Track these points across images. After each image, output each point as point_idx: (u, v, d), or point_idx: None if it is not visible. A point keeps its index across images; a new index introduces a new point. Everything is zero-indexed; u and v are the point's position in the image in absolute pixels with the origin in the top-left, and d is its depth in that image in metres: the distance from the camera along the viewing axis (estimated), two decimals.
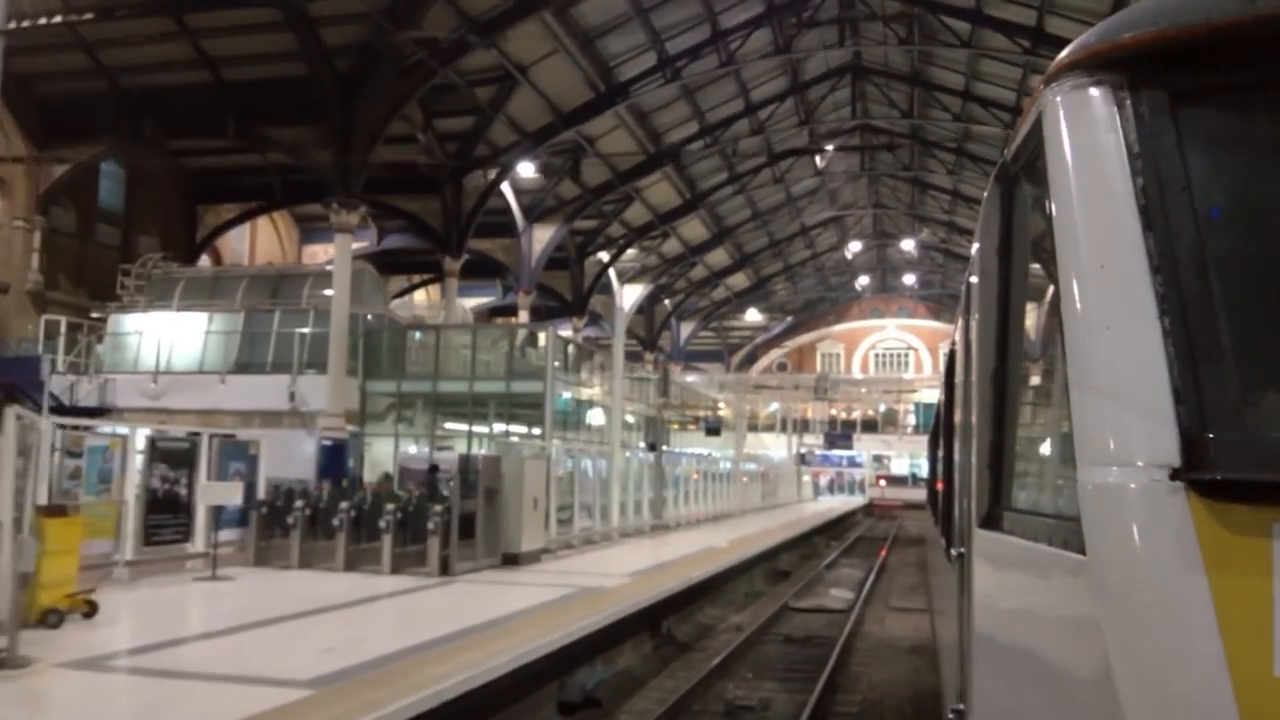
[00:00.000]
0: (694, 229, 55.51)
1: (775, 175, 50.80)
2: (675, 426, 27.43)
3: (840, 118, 47.33)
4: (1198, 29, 2.17)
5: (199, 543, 14.86)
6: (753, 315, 75.55)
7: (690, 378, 67.12)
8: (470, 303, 53.91)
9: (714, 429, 27.83)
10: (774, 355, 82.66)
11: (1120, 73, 2.28)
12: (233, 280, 36.68)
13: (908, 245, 66.37)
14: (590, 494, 21.75)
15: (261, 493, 16.91)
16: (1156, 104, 2.21)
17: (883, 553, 34.88)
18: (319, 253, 47.90)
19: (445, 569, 15.23)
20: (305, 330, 34.13)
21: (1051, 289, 2.36)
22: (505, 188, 44.10)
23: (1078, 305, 2.12)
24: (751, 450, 63.65)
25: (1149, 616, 1.82)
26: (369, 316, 35.06)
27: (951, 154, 48.52)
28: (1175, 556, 1.82)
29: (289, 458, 31.67)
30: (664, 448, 51.20)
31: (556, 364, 34.56)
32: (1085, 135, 2.27)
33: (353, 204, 32.87)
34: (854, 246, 67.86)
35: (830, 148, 49.40)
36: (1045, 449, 2.80)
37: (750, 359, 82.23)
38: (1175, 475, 1.86)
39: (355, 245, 48.50)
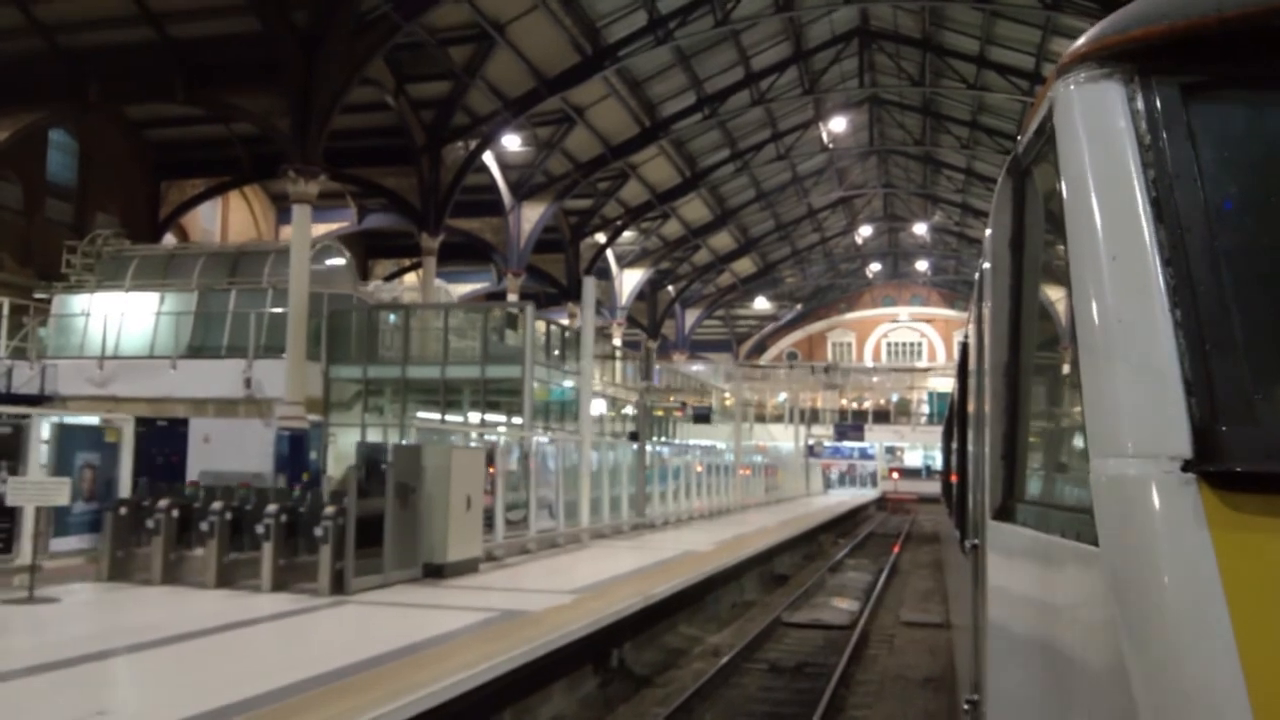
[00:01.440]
0: (695, 210, 52.09)
1: (779, 151, 47.32)
2: (659, 414, 24.14)
3: (848, 90, 43.77)
4: (1209, 21, 2.15)
5: (27, 553, 11.59)
6: (761, 303, 72.15)
7: (696, 367, 63.74)
8: (463, 289, 50.65)
9: (703, 416, 24.52)
10: (783, 344, 79.11)
11: (1132, 64, 2.25)
12: (189, 258, 33.44)
13: (920, 229, 62.92)
14: (553, 490, 18.43)
15: (126, 489, 13.63)
16: (1168, 96, 2.18)
17: (895, 550, 31.51)
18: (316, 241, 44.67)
19: (339, 585, 11.93)
20: (263, 311, 30.90)
21: (1063, 281, 2.27)
22: (491, 163, 40.82)
23: (1089, 297, 2.08)
24: (762, 442, 60.29)
25: (1161, 608, 1.77)
26: (330, 296, 31.77)
27: (965, 127, 44.92)
28: (1187, 548, 1.78)
29: (242, 450, 28.59)
30: (664, 439, 47.88)
31: (538, 347, 31.36)
32: (1097, 127, 2.23)
33: (312, 172, 29.61)
34: (864, 231, 64.33)
35: (838, 125, 45.96)
36: (1058, 441, 2.78)
37: (759, 348, 78.72)
38: (1187, 467, 1.82)
39: (335, 225, 45.57)
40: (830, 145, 48.49)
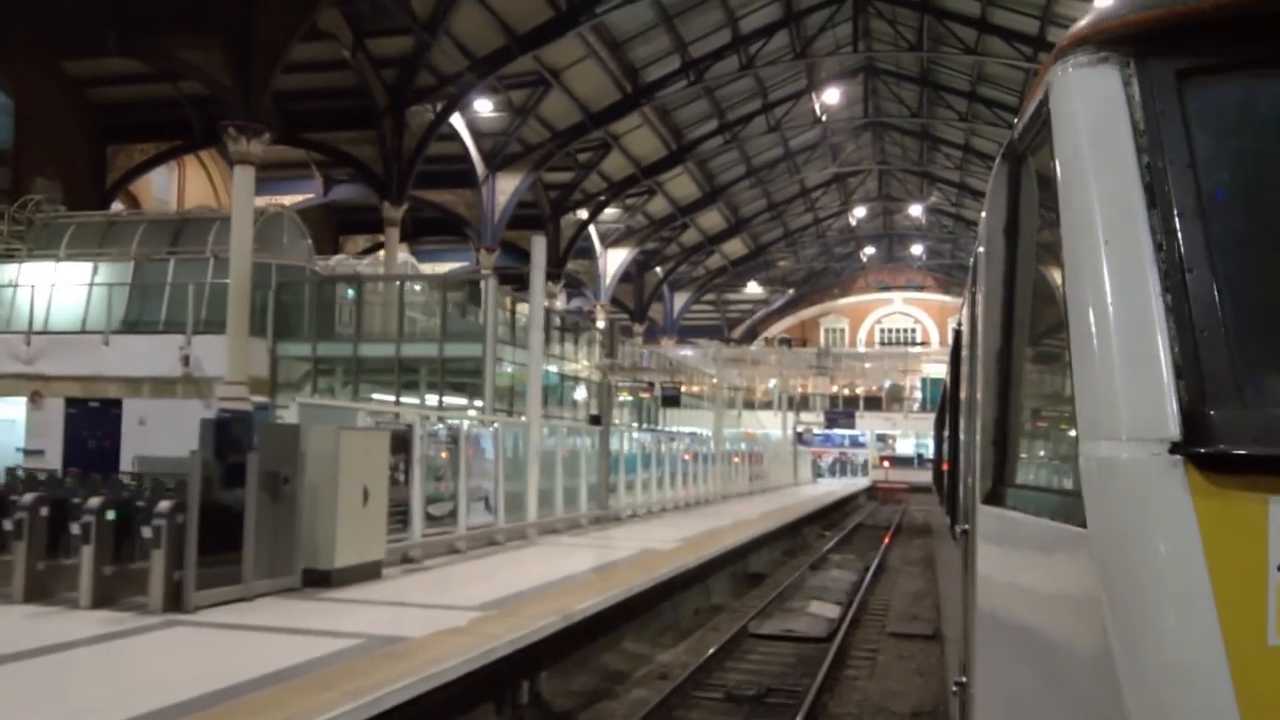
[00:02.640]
0: (683, 186, 49.40)
1: (770, 123, 44.62)
2: (625, 395, 21.58)
3: (841, 57, 41.08)
4: (1206, 6, 2.15)
5: None
6: (753, 288, 69.53)
7: (685, 352, 61.09)
8: (440, 269, 47.91)
9: (671, 398, 21.95)
10: (775, 330, 76.42)
11: (1128, 49, 2.23)
12: (128, 226, 30.74)
13: (916, 211, 60.29)
14: (490, 480, 15.86)
15: None
16: (1164, 81, 2.17)
17: (885, 542, 29.00)
18: (259, 204, 41.94)
19: (177, 599, 9.37)
20: (204, 282, 28.29)
21: (1057, 266, 2.27)
22: (462, 129, 38.16)
23: (1081, 281, 2.09)
24: (751, 430, 57.74)
25: (1146, 588, 1.79)
26: (279, 268, 29.15)
27: (964, 98, 42.22)
28: (1173, 529, 1.79)
29: (181, 435, 26.02)
30: (648, 425, 45.25)
31: (503, 325, 28.79)
32: (1092, 112, 2.23)
33: (255, 130, 27.05)
34: (858, 212, 61.66)
35: (831, 96, 43.31)
36: (1048, 425, 2.74)
37: (750, 334, 76.07)
38: (1175, 449, 1.83)
39: (300, 197, 42.88)
40: (823, 117, 45.79)
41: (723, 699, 10.85)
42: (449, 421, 14.46)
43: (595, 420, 21.82)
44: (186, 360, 27.54)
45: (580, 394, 39.32)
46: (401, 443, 13.12)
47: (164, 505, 9.32)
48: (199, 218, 30.62)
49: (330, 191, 41.81)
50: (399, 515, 13.25)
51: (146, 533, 9.17)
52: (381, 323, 28.47)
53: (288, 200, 42.19)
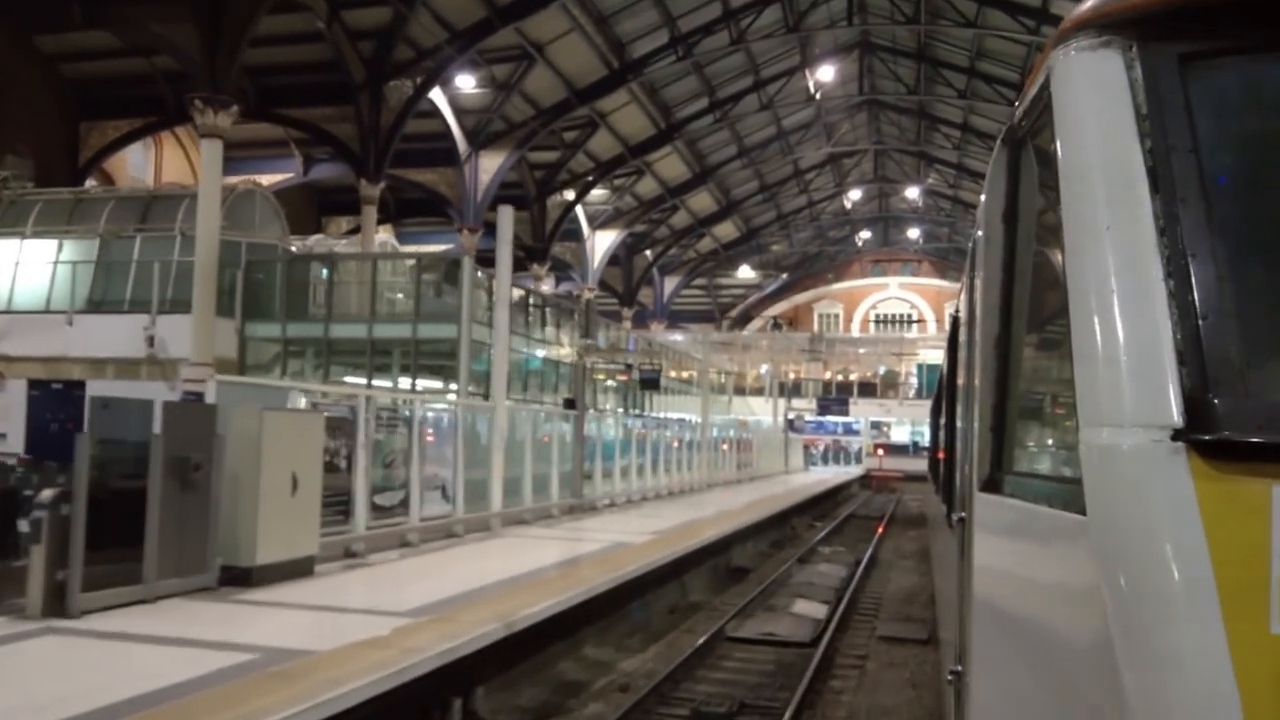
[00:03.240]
0: (672, 166, 48.06)
1: (762, 101, 43.28)
2: (600, 377, 20.38)
3: (836, 32, 39.73)
4: None
5: None
6: (745, 272, 68.18)
7: (676, 337, 59.81)
8: (424, 250, 46.57)
9: (651, 381, 20.72)
10: (768, 315, 75.17)
11: (1130, 33, 2.20)
12: (97, 203, 29.48)
13: (912, 193, 59.02)
14: (449, 467, 14.61)
15: None
16: (1166, 65, 2.14)
17: (878, 532, 27.84)
18: (234, 182, 40.55)
19: (60, 602, 8.15)
20: (170, 260, 27.04)
21: (1057, 251, 2.23)
22: (444, 106, 36.82)
23: (1082, 266, 2.05)
24: (744, 417, 56.54)
25: (1147, 576, 1.75)
26: (250, 246, 27.87)
27: (963, 74, 40.87)
28: (1174, 516, 1.76)
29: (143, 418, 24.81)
30: (636, 411, 43.99)
31: (483, 308, 27.56)
32: (1093, 96, 2.20)
33: (223, 102, 25.75)
34: (854, 195, 60.39)
35: (825, 74, 42.01)
36: (1048, 411, 2.70)
37: (743, 319, 74.77)
38: (1176, 436, 1.80)
39: (280, 176, 41.53)
40: (817, 95, 44.47)
41: (688, 717, 9.65)
42: (400, 403, 13.20)
43: (570, 404, 20.58)
44: (151, 341, 26.34)
45: (567, 379, 38.13)
46: (344, 426, 11.89)
47: (46, 495, 8.09)
48: (168, 195, 29.34)
49: (310, 171, 40.45)
50: (340, 506, 12.03)
51: (23, 526, 7.95)
52: (355, 303, 27.21)
53: (266, 180, 40.84)
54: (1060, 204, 2.17)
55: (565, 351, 31.94)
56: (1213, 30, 2.12)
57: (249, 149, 40.62)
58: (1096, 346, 1.95)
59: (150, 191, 30.48)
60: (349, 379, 27.01)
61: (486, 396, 27.07)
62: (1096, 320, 1.97)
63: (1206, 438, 1.78)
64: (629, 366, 20.33)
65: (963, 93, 41.93)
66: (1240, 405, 1.81)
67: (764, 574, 19.20)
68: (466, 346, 25.25)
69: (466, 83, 35.15)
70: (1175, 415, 1.81)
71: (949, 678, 4.10)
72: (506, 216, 16.29)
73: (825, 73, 42.74)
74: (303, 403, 11.15)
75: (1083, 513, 1.88)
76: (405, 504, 13.31)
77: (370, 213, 33.15)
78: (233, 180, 40.89)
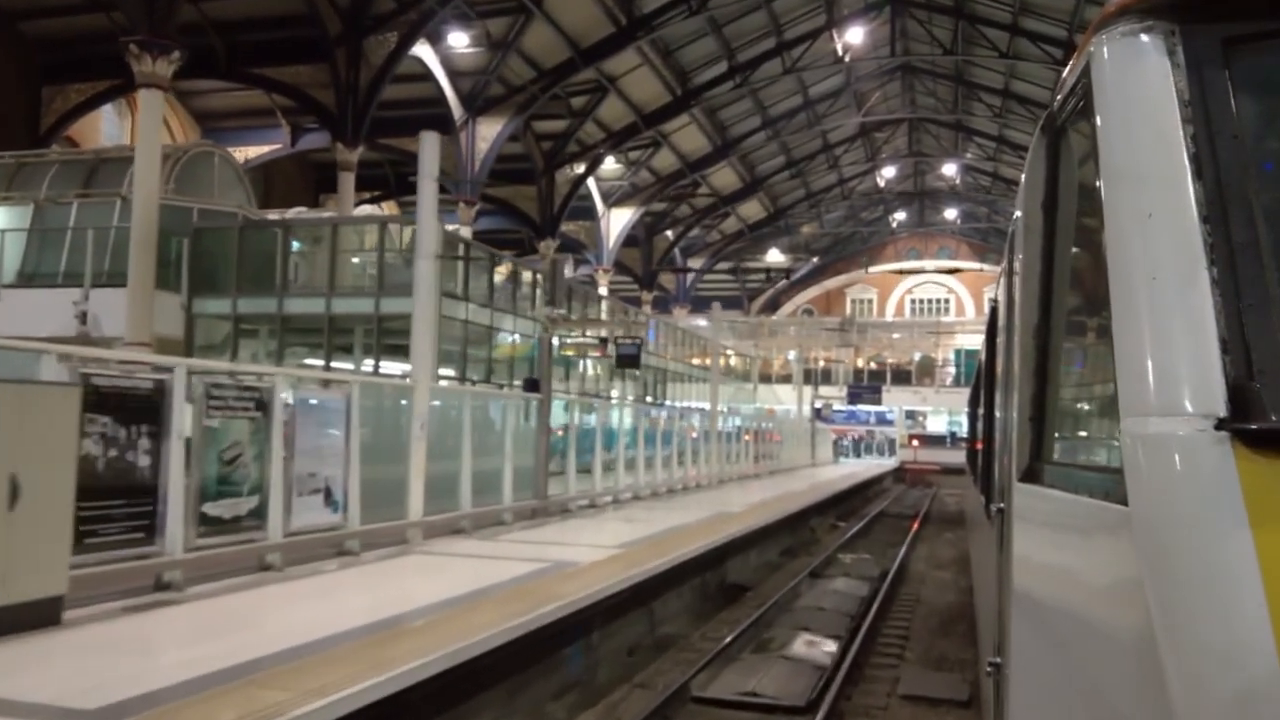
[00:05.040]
0: (691, 138, 44.23)
1: (786, 65, 39.26)
2: (570, 353, 16.74)
3: None
4: None
5: None
6: (774, 256, 64.14)
7: (700, 322, 55.93)
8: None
9: (630, 357, 17.01)
10: (799, 301, 71.06)
11: (1171, 18, 2.12)
12: (40, 167, 26.21)
13: (950, 169, 54.72)
14: (334, 466, 10.97)
15: None
16: (1208, 50, 2.07)
17: (910, 534, 23.98)
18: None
19: None
20: (109, 227, 23.67)
21: (1097, 240, 2.15)
22: (436, 69, 33.23)
23: (1124, 254, 1.99)
24: (770, 406, 52.64)
25: (1191, 567, 1.68)
26: (201, 212, 24.44)
27: (1005, 32, 36.67)
28: (1219, 507, 1.69)
29: None
30: (652, 399, 40.19)
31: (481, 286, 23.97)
32: (1135, 82, 2.13)
33: (163, 47, 22.33)
34: (887, 172, 56.15)
35: (854, 36, 38.00)
36: (1088, 401, 2.65)
37: (772, 305, 70.72)
38: (1220, 425, 1.74)
39: (266, 147, 38.18)
40: (846, 58, 40.39)
41: None
42: (249, 379, 9.66)
43: (531, 385, 16.89)
44: (84, 317, 22.97)
45: (583, 366, 34.45)
46: (147, 407, 8.30)
47: None
48: (116, 158, 25.90)
49: (298, 141, 36.99)
50: (144, 517, 8.41)
51: None
52: (313, 276, 23.72)
53: (254, 151, 37.66)
54: (1101, 192, 2.10)
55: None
56: (1257, 14, 2.05)
57: (234, 119, 37.47)
58: (1138, 335, 1.89)
59: (96, 153, 27.07)
60: (309, 361, 23.53)
61: (465, 379, 23.54)
62: (1138, 308, 1.90)
63: (1251, 426, 1.71)
64: (604, 341, 16.60)
65: (1004, 53, 37.68)
66: None
67: (765, 593, 15.43)
68: (433, 324, 21.64)
69: (459, 40, 31.61)
70: (1219, 404, 1.75)
71: (988, 670, 3.97)
72: (430, 143, 12.64)
73: (854, 34, 38.76)
74: (59, 372, 7.64)
75: (1124, 503, 1.81)
76: (259, 514, 9.70)
77: (348, 180, 29.64)
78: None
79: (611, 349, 17.24)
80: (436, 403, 13.74)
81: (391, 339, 23.20)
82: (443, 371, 22.70)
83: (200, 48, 28.74)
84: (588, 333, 17.91)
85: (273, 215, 26.79)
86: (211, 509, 9.24)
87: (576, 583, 10.04)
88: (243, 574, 9.62)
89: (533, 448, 16.09)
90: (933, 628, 13.82)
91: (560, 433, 17.37)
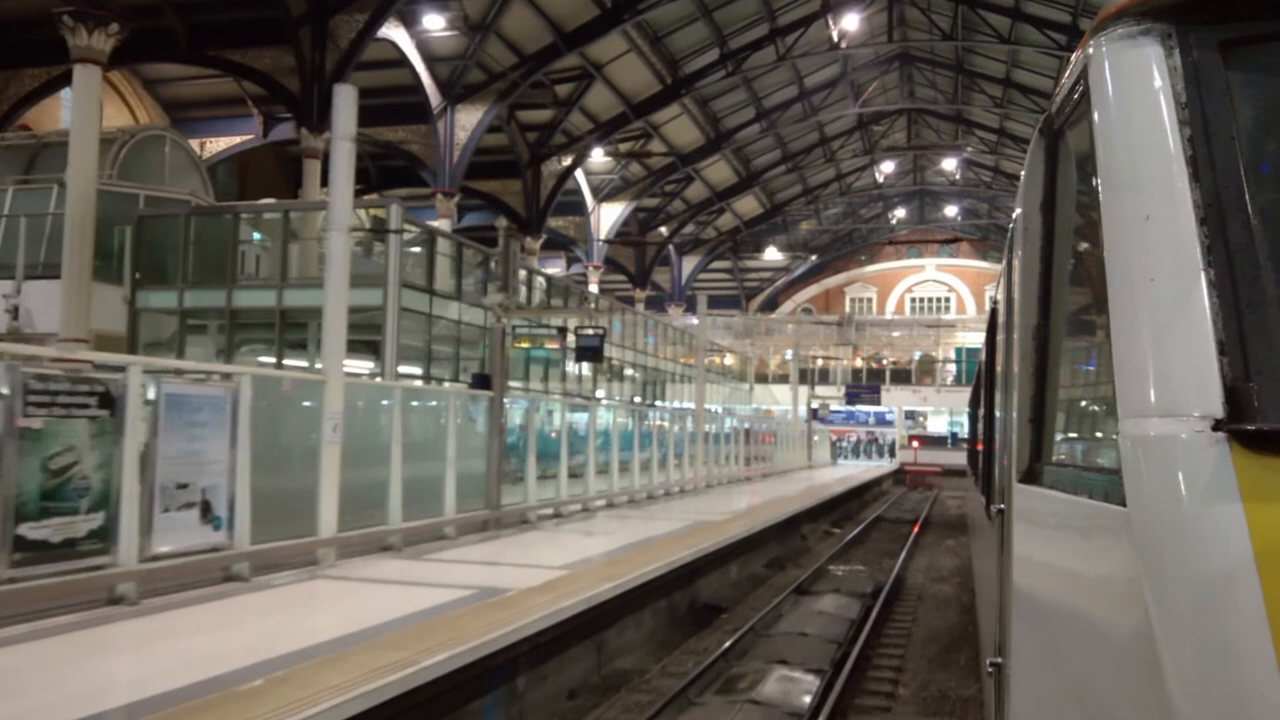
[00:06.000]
0: (684, 130, 42.35)
1: (780, 51, 37.36)
2: (524, 344, 14.82)
3: None
4: None
5: None
6: (772, 254, 62.29)
7: (693, 320, 54.01)
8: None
9: (590, 350, 15.08)
10: (798, 300, 69.11)
11: (1169, 21, 2.10)
12: None
13: (950, 164, 52.81)
14: (215, 475, 9.05)
15: None
16: (1206, 53, 2.06)
17: (908, 541, 22.07)
18: (194, 148, 35.38)
19: None
20: (44, 214, 21.83)
21: (1096, 242, 2.15)
22: (412, 54, 31.38)
23: (1122, 257, 1.98)
24: (769, 407, 50.75)
25: (1189, 567, 1.68)
26: (147, 199, 22.59)
27: (1007, 17, 34.74)
28: (1216, 507, 1.69)
29: None
30: (650, 402, 38.28)
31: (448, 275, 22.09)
32: (1132, 85, 2.11)
33: (98, 18, 20.50)
34: (886, 167, 54.20)
35: (850, 22, 36.13)
36: (1087, 402, 2.65)
37: (771, 304, 68.77)
38: (1218, 426, 1.73)
39: (238, 138, 36.31)
40: (842, 45, 38.47)
41: None
42: (87, 370, 7.81)
43: (482, 381, 14.98)
44: (16, 312, 21.14)
45: (570, 366, 32.60)
46: None
47: None
48: (57, 142, 24.04)
49: (271, 131, 35.09)
50: None
51: None
52: (264, 266, 21.86)
53: (226, 142, 35.86)
54: (1099, 194, 2.10)
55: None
56: (1253, 16, 2.04)
57: (204, 108, 35.65)
58: (1136, 336, 1.88)
59: (38, 138, 25.24)
60: (262, 359, 21.66)
61: (428, 378, 21.64)
62: (1136, 310, 1.90)
63: (1248, 427, 1.71)
64: (562, 331, 14.69)
65: (1006, 38, 35.76)
66: None
67: (743, 614, 13.53)
68: (394, 316, 19.81)
69: (434, 23, 29.77)
70: (1216, 405, 1.74)
71: (989, 670, 3.96)
72: (346, 98, 10.74)
73: (850, 20, 36.86)
74: None
75: (1123, 504, 1.81)
76: (103, 535, 7.83)
77: (313, 168, 27.68)
78: (195, 145, 36.16)
79: (571, 340, 15.34)
80: (361, 402, 11.85)
81: (355, 334, 21.33)
82: (406, 369, 20.86)
83: (157, 28, 26.95)
84: (555, 322, 15.97)
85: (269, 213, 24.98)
86: (32, 531, 7.34)
87: (496, 616, 8.14)
88: (81, 609, 7.74)
89: (484, 452, 14.20)
90: (931, 656, 11.91)
91: (520, 431, 15.46)
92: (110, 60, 27.95)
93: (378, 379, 19.60)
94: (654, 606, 11.99)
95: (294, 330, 21.34)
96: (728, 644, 11.21)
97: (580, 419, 17.70)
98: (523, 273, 26.77)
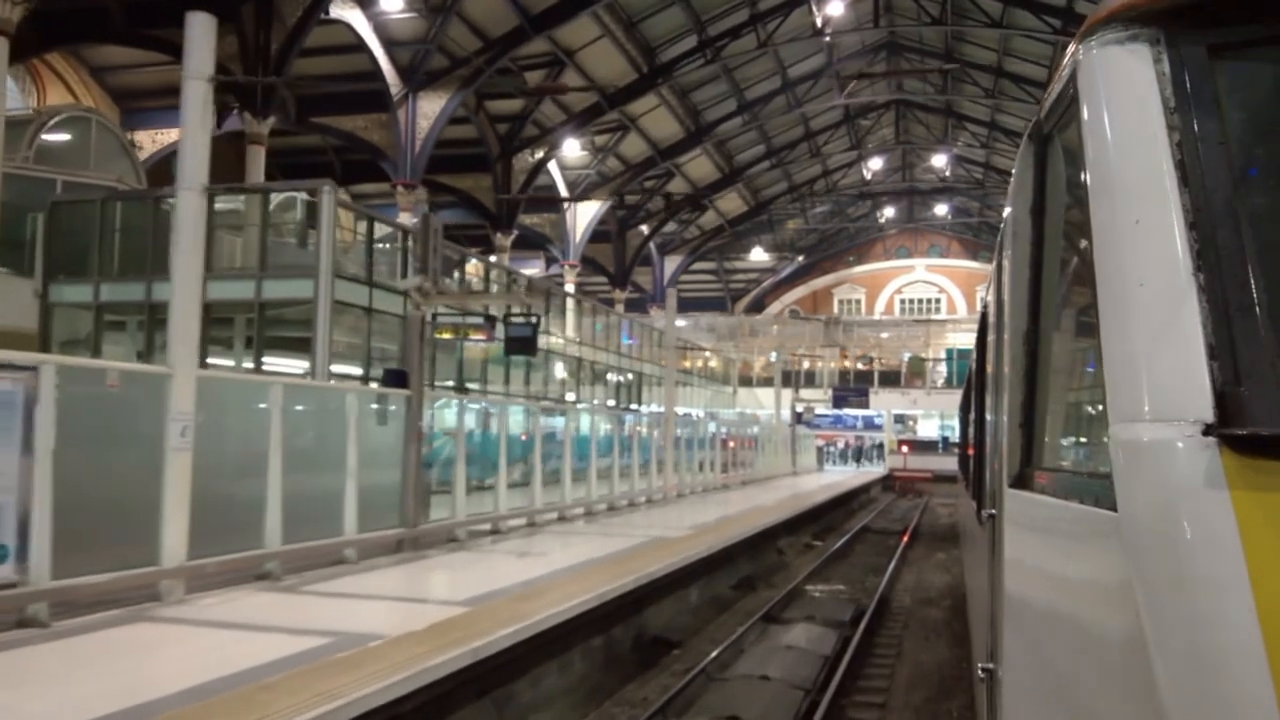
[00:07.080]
0: (662, 123, 40.31)
1: (760, 38, 35.36)
2: (446, 335, 12.85)
3: None
4: None
5: None
6: (758, 254, 60.31)
7: (680, 323, 51.93)
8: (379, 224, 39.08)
9: (522, 341, 13.05)
10: (785, 301, 67.08)
11: (1157, 26, 2.09)
12: None
13: (940, 160, 50.84)
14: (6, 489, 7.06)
15: None
16: (1194, 58, 2.04)
17: (895, 555, 20.03)
18: (146, 140, 33.30)
19: None
20: None
21: (1085, 247, 2.15)
22: (370, 38, 29.34)
23: (1112, 261, 1.96)
24: (754, 410, 48.73)
25: (1180, 572, 1.66)
26: (65, 184, 20.50)
27: (998, 2, 32.76)
28: (1207, 512, 1.66)
29: None
30: (630, 404, 36.17)
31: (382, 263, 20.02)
32: (1121, 90, 2.10)
33: None
34: (874, 164, 52.18)
35: (834, 8, 34.14)
36: (1078, 407, 2.60)
37: (757, 305, 66.74)
38: (1208, 431, 1.71)
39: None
40: (826, 31, 36.47)
41: None
42: None
43: (396, 378, 12.89)
44: None
45: (558, 369, 30.65)
46: None
47: None
48: None
49: (224, 122, 32.87)
50: None
51: None
52: (164, 252, 19.75)
53: (179, 134, 33.65)
54: (1088, 199, 2.08)
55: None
56: (1241, 22, 2.02)
57: (155, 98, 33.41)
58: (1126, 341, 1.86)
59: None
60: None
61: (368, 379, 19.56)
62: (1126, 315, 1.88)
63: (1239, 432, 1.68)
64: (490, 320, 12.62)
65: (998, 22, 33.78)
66: (1272, 399, 1.71)
67: (697, 650, 11.46)
68: (325, 309, 17.74)
69: (393, 4, 27.76)
70: (1206, 409, 1.72)
71: (981, 676, 3.92)
72: (200, 28, 8.79)
73: (834, 6, 34.85)
74: None
75: (1113, 508, 1.79)
76: None
77: (257, 154, 25.66)
78: (148, 137, 34.02)
79: (500, 330, 13.26)
80: (229, 401, 9.76)
81: (278, 329, 19.27)
82: (341, 369, 18.79)
83: (87, 5, 24.92)
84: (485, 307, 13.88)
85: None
86: None
87: (329, 684, 6.05)
88: None
89: (400, 461, 12.11)
90: (917, 705, 9.84)
91: (445, 436, 13.38)
92: (35, 37, 25.94)
93: (308, 379, 17.53)
94: (586, 645, 9.92)
95: (219, 326, 19.25)
96: (668, 695, 9.12)
97: (521, 422, 15.61)
98: (474, 264, 24.73)
